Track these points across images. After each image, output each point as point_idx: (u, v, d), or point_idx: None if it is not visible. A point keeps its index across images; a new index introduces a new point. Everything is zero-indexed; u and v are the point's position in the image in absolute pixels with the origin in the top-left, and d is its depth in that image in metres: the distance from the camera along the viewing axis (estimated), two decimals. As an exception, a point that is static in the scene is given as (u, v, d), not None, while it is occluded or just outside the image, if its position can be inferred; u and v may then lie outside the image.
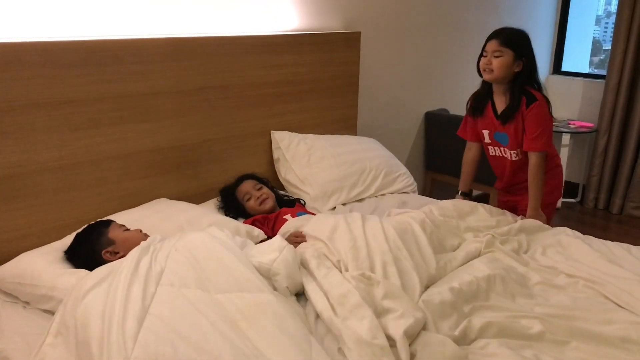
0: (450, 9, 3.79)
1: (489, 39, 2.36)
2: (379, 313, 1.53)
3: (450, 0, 3.77)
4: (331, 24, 3.07)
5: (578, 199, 4.66)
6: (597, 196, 4.48)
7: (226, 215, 2.37)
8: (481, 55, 2.38)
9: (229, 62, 2.53)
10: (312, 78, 2.92)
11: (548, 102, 2.37)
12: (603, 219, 4.33)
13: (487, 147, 2.55)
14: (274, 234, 2.16)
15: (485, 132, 2.50)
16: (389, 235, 1.88)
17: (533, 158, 2.37)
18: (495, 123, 2.44)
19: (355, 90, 3.19)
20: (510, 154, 2.45)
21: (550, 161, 2.49)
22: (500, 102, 2.42)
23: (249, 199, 2.41)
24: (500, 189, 2.65)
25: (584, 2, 4.83)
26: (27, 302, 1.76)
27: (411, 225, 2.00)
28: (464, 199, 2.64)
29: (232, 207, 2.44)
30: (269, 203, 2.42)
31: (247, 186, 2.46)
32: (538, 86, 2.38)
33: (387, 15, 3.38)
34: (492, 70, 2.32)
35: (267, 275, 1.64)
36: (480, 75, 2.41)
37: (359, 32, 3.12)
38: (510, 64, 2.31)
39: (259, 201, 2.41)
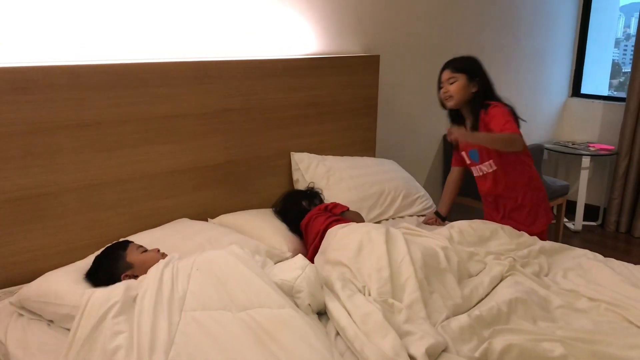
0: (468, 32, 3.82)
1: (441, 71, 2.53)
2: (400, 335, 1.53)
3: (468, 23, 3.80)
4: (351, 48, 3.12)
5: (599, 222, 4.61)
6: (619, 219, 4.43)
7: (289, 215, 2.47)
8: (439, 88, 2.53)
9: (251, 85, 2.58)
10: (331, 101, 2.96)
11: (509, 106, 2.46)
12: (625, 242, 4.28)
13: (471, 169, 2.65)
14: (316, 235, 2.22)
15: (464, 154, 2.63)
16: (415, 260, 1.87)
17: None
18: (468, 142, 2.54)
19: (374, 113, 3.21)
20: (485, 166, 2.54)
21: (532, 182, 2.54)
22: (469, 123, 2.53)
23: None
24: (498, 220, 2.60)
25: (602, 25, 4.84)
26: (51, 320, 1.79)
27: (437, 253, 1.99)
28: (437, 218, 2.76)
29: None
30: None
31: None
32: (497, 101, 2.48)
33: (406, 39, 3.42)
34: (452, 96, 2.47)
35: (289, 292, 1.65)
36: (444, 107, 2.56)
37: (378, 56, 3.16)
38: (465, 85, 2.46)
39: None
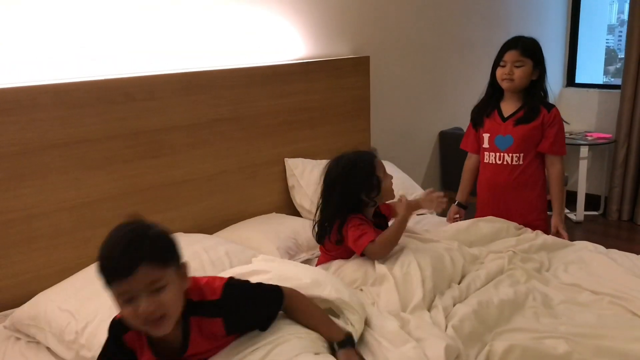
0: (457, 28, 3.80)
1: (507, 48, 2.39)
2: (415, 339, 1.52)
3: (457, 19, 3.78)
4: (339, 50, 3.09)
5: (601, 211, 4.58)
6: (621, 207, 4.39)
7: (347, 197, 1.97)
8: (497, 64, 2.41)
9: (240, 94, 2.56)
10: (323, 105, 2.93)
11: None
12: (628, 231, 4.24)
13: (483, 154, 2.55)
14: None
15: (486, 136, 2.50)
16: (423, 268, 1.83)
17: (557, 163, 2.43)
18: (501, 126, 2.45)
19: (367, 114, 3.19)
20: (511, 157, 2.44)
21: (544, 184, 2.51)
22: (509, 107, 2.45)
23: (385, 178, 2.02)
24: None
25: (594, 12, 4.81)
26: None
27: (442, 256, 1.94)
28: (459, 209, 2.67)
29: (361, 184, 1.96)
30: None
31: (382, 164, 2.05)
32: (545, 93, 2.44)
33: (395, 38, 3.40)
34: (513, 80, 2.36)
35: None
36: (495, 85, 2.45)
37: (368, 57, 3.14)
38: (530, 73, 2.38)
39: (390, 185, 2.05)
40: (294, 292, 1.51)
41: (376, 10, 3.24)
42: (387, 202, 2.12)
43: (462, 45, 3.87)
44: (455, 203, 2.70)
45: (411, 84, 3.58)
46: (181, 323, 1.31)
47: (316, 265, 2.10)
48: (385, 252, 1.90)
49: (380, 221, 2.14)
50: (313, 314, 1.51)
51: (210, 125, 2.47)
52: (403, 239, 1.99)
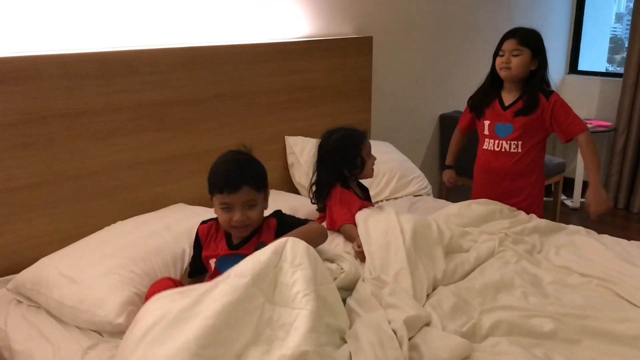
0: (461, 11, 3.80)
1: (505, 38, 2.42)
2: (383, 307, 1.58)
3: (462, 2, 3.78)
4: (343, 30, 3.10)
5: (597, 198, 4.61)
6: (617, 195, 4.43)
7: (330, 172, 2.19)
8: (497, 54, 2.44)
9: (242, 70, 2.58)
10: (324, 84, 2.95)
11: None
12: (623, 219, 4.29)
13: (483, 139, 2.58)
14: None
15: (486, 123, 2.53)
16: (405, 231, 1.90)
17: (581, 139, 2.40)
18: (501, 115, 2.48)
19: (368, 95, 3.21)
20: (510, 144, 2.47)
21: (542, 172, 2.55)
22: (509, 97, 2.48)
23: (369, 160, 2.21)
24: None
25: (600, 1, 4.80)
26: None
27: (430, 224, 2.01)
28: (450, 171, 2.79)
29: (345, 162, 2.17)
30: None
31: (369, 146, 2.22)
32: (547, 84, 2.46)
33: (399, 19, 3.40)
34: (510, 69, 2.39)
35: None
36: (494, 74, 2.48)
37: (371, 37, 3.15)
38: (527, 62, 2.39)
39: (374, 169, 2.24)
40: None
41: (381, -10, 3.25)
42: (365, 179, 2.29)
43: (466, 29, 3.87)
44: (447, 166, 2.82)
45: (413, 66, 3.59)
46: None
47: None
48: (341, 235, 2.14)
49: (365, 194, 2.32)
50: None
51: (211, 100, 2.50)
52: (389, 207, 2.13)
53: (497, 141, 2.50)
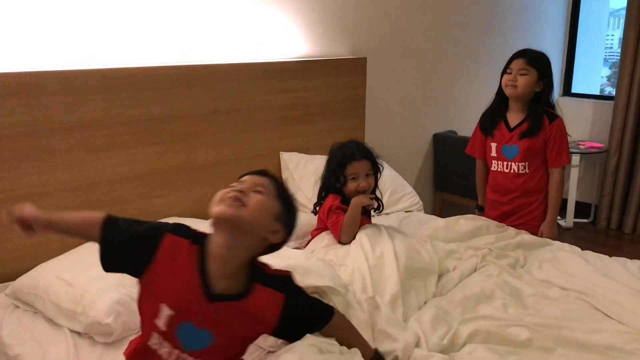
0: (456, 34, 3.90)
1: (514, 57, 2.51)
2: (379, 333, 1.61)
3: (455, 24, 3.88)
4: (338, 51, 3.20)
5: (590, 219, 4.67)
6: (610, 216, 4.49)
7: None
8: (504, 72, 2.52)
9: (239, 88, 2.67)
10: (319, 102, 3.04)
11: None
12: (616, 239, 4.33)
13: (490, 161, 2.65)
14: None
15: (493, 145, 2.61)
16: (399, 256, 1.94)
17: (556, 174, 2.52)
18: (507, 136, 2.55)
19: (362, 113, 3.30)
20: (518, 166, 2.55)
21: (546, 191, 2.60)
22: (515, 118, 2.55)
23: (353, 180, 2.18)
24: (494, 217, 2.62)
25: (593, 25, 4.91)
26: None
27: (419, 250, 2.04)
28: (480, 214, 2.76)
29: (330, 174, 2.23)
30: None
31: (362, 167, 2.18)
32: (552, 107, 2.54)
33: (393, 41, 3.50)
34: (516, 87, 2.47)
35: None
36: (502, 93, 2.55)
37: (365, 58, 3.24)
38: (533, 83, 2.47)
39: (361, 189, 2.18)
40: (340, 313, 1.55)
41: (375, 13, 3.35)
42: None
43: (459, 50, 3.97)
44: (478, 209, 2.84)
45: (407, 86, 3.68)
46: (247, 280, 1.34)
47: (311, 233, 2.34)
48: (344, 237, 2.14)
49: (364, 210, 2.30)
50: (353, 332, 1.52)
51: (208, 116, 2.58)
52: (380, 226, 2.16)
53: (505, 163, 2.58)
